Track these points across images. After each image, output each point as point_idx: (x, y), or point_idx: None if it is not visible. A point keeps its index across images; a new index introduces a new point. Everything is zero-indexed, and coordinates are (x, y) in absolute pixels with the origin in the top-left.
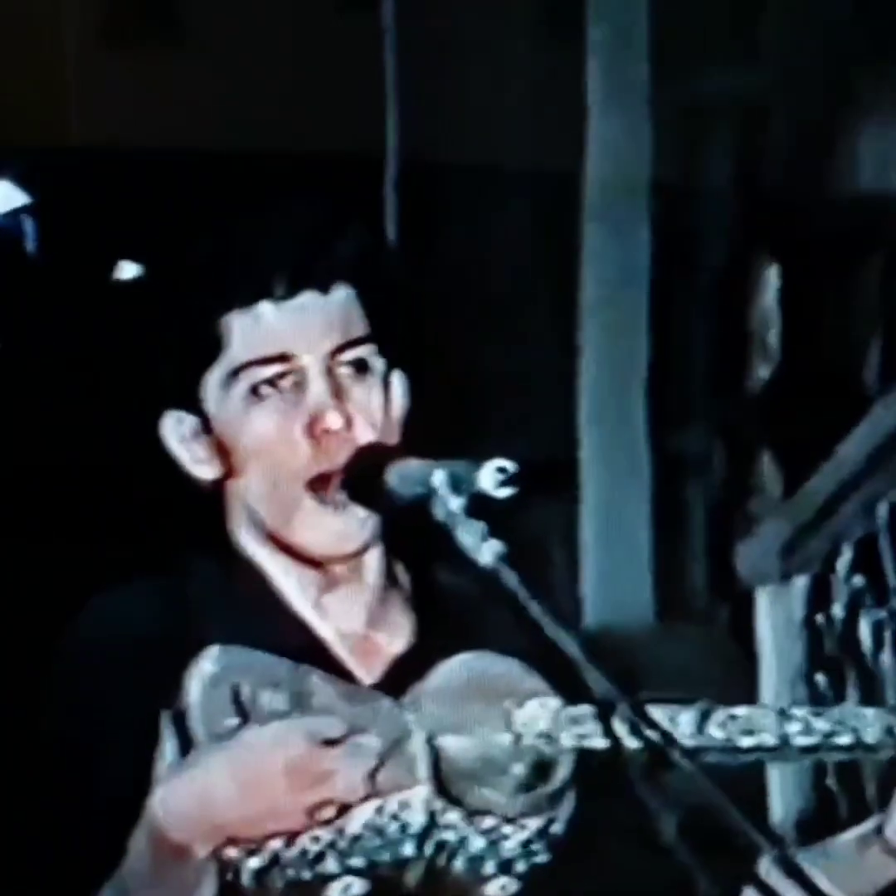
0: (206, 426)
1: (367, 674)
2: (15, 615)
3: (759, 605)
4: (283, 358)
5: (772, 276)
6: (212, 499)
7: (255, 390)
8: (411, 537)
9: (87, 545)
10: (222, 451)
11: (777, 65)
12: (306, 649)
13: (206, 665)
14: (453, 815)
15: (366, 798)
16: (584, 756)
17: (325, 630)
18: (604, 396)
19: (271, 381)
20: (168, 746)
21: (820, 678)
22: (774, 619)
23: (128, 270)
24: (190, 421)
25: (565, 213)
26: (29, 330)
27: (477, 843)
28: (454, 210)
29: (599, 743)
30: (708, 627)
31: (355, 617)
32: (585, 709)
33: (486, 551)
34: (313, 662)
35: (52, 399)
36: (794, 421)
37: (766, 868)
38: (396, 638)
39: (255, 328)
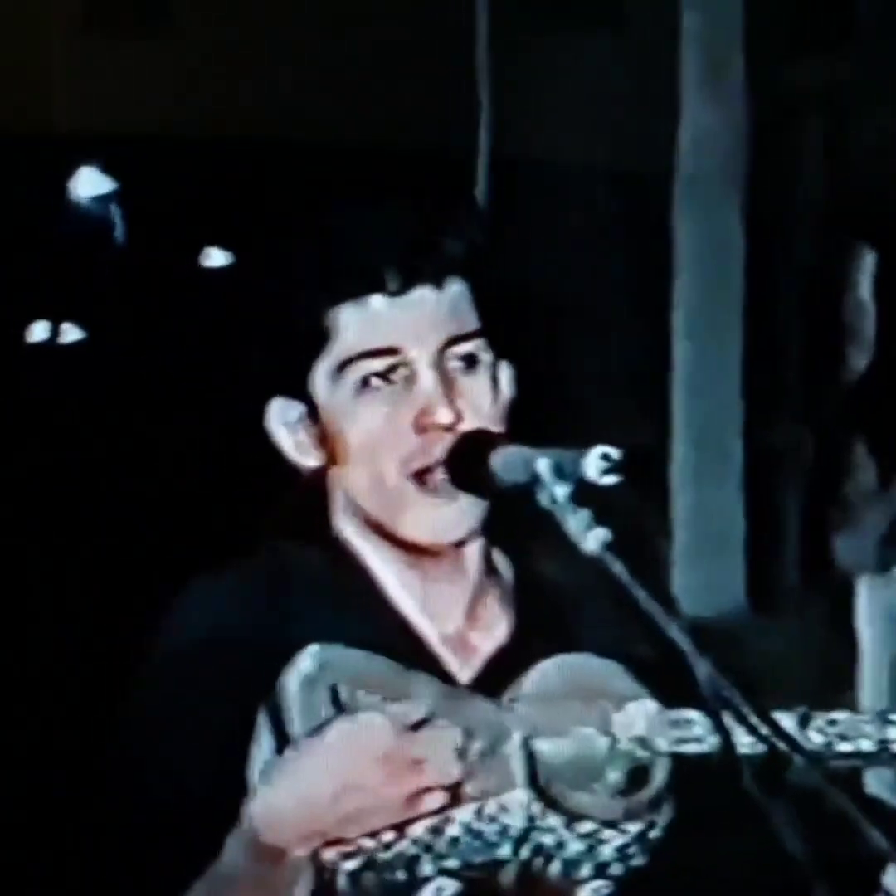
0: (313, 414)
1: (465, 670)
2: (114, 595)
3: (858, 596)
4: (393, 351)
5: (867, 266)
6: (313, 487)
7: (365, 382)
8: (513, 527)
9: (186, 528)
10: (327, 440)
11: (872, 52)
12: (405, 642)
13: (305, 664)
14: (553, 819)
15: (459, 796)
16: (682, 760)
17: (424, 624)
18: (697, 388)
19: (382, 375)
20: (264, 744)
21: None
22: (873, 609)
23: (216, 258)
24: (296, 408)
25: (659, 202)
26: (119, 317)
27: (575, 847)
28: (546, 199)
29: (697, 747)
30: (803, 618)
31: (455, 611)
32: (685, 713)
33: (592, 539)
34: (411, 656)
35: (141, 389)
36: (888, 410)
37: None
38: (494, 633)
39: (366, 321)
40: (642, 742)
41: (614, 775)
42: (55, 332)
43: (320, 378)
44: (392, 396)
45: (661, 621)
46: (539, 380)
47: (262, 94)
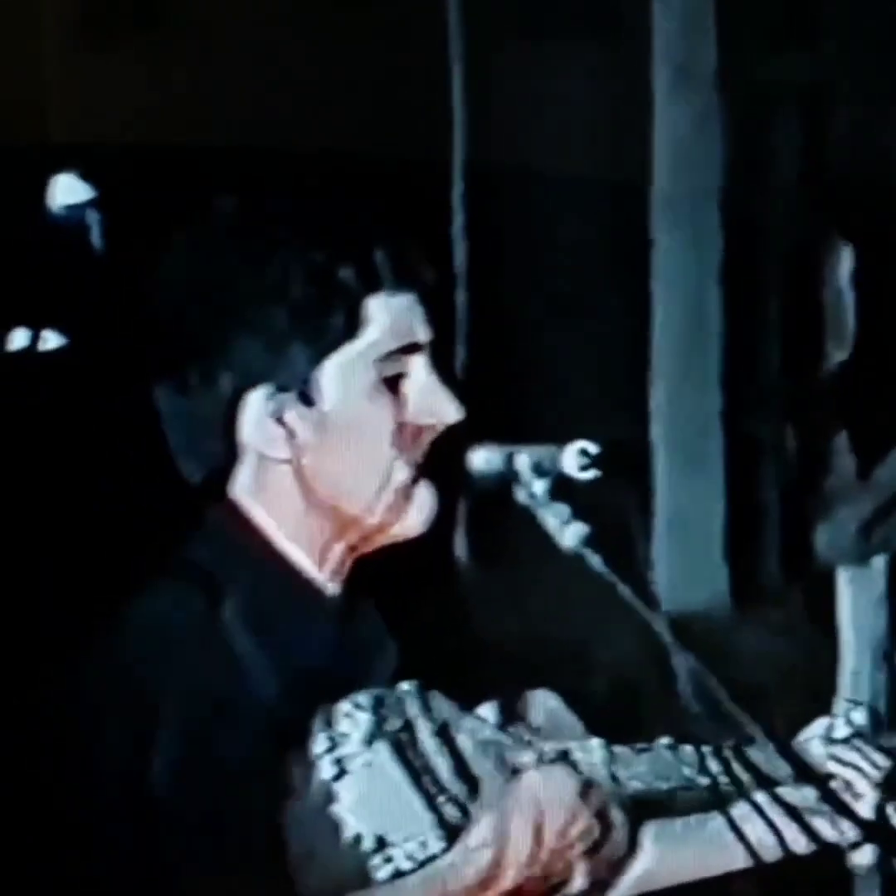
0: (306, 403)
1: None
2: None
3: (838, 586)
4: (416, 347)
5: (845, 257)
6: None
7: (382, 379)
8: None
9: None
10: (314, 430)
11: (843, 46)
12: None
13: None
14: None
15: None
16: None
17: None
18: (677, 381)
19: (398, 375)
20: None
21: None
22: (854, 600)
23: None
24: (286, 398)
25: (638, 202)
26: (99, 322)
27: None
28: (522, 203)
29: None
30: (785, 610)
31: None
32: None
33: (570, 534)
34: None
35: (126, 393)
36: (868, 402)
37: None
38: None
39: (399, 315)
40: (614, 780)
41: (619, 817)
42: (35, 339)
43: (335, 368)
44: (399, 397)
45: (642, 615)
46: (518, 376)
47: (251, 103)
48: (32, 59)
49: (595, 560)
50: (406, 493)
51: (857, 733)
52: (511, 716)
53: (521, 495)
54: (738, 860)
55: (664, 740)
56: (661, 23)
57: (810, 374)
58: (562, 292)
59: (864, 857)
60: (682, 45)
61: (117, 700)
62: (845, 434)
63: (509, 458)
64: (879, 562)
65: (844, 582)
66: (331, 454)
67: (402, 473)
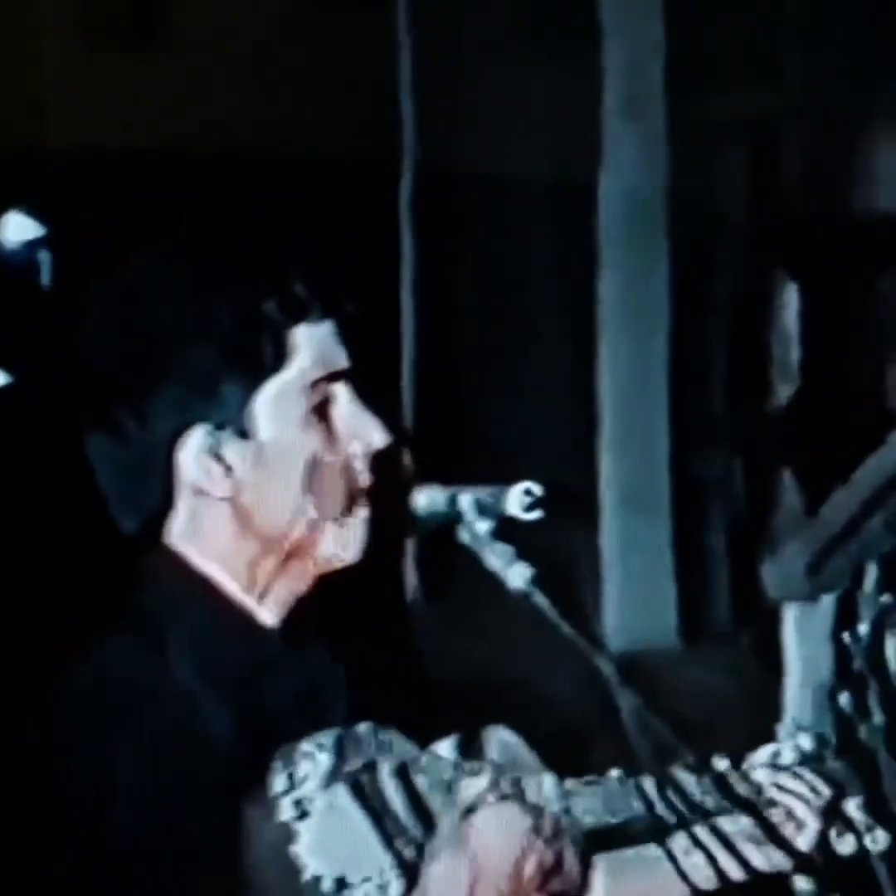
0: (243, 437)
1: None
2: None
3: (785, 624)
4: (340, 375)
5: (791, 296)
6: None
7: (315, 408)
8: None
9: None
10: (252, 463)
11: (794, 85)
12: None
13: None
14: None
15: None
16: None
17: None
18: (624, 419)
19: (325, 402)
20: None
21: (844, 697)
22: (801, 638)
23: None
24: (222, 435)
25: (582, 229)
26: (45, 361)
27: None
28: (470, 222)
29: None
30: (733, 648)
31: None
32: (576, 783)
33: (516, 574)
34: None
35: (66, 433)
36: (814, 440)
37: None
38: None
39: (323, 343)
40: (568, 814)
41: (572, 851)
42: None
43: (267, 401)
44: (327, 424)
45: (587, 655)
46: (464, 417)
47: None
48: (32, 59)
49: (540, 600)
50: (338, 522)
51: (804, 759)
52: (469, 752)
53: (464, 535)
54: (679, 891)
55: (614, 773)
56: (612, 54)
57: (757, 410)
58: (507, 333)
59: (806, 883)
60: (631, 81)
61: (74, 762)
62: (792, 471)
63: (453, 499)
64: (827, 599)
65: (791, 619)
66: (269, 486)
67: (311, 506)
